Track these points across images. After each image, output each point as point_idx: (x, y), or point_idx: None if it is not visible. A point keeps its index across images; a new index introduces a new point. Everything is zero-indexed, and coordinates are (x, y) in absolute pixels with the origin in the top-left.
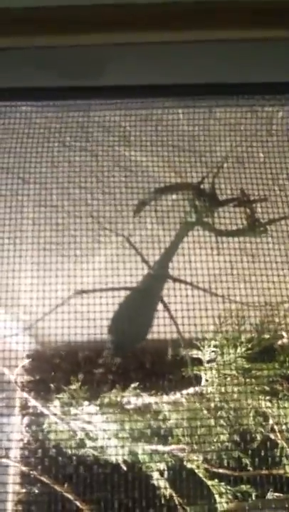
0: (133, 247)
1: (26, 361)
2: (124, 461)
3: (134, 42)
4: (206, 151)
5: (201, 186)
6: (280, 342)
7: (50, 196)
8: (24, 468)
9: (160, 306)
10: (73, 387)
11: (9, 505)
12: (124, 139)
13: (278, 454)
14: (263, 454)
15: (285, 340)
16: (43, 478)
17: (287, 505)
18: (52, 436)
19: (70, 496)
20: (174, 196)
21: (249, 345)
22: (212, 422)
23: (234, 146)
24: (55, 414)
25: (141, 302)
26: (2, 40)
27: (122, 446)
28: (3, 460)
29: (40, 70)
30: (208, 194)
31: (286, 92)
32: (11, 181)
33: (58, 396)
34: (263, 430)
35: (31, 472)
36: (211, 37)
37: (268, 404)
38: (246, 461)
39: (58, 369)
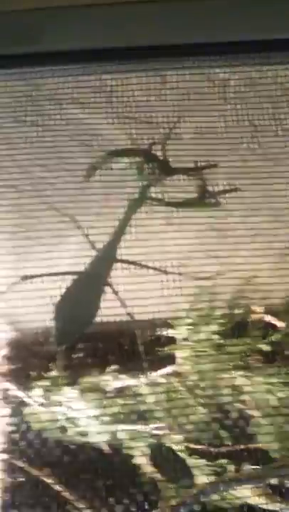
0: (79, 228)
1: (5, 350)
2: (107, 444)
3: (75, 4)
4: (160, 120)
5: (153, 152)
6: (252, 316)
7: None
8: (8, 458)
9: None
10: (53, 373)
11: None
12: (78, 111)
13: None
14: (239, 428)
15: (257, 314)
16: (26, 466)
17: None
18: (34, 424)
19: (54, 483)
20: (123, 165)
21: (222, 321)
22: (190, 400)
23: (184, 113)
24: (36, 402)
25: (86, 286)
26: None
27: (104, 430)
28: None
29: None
30: (160, 160)
31: (235, 52)
32: None
33: (39, 383)
34: (239, 405)
35: (15, 461)
36: None
37: (243, 379)
38: (224, 436)
39: (38, 356)
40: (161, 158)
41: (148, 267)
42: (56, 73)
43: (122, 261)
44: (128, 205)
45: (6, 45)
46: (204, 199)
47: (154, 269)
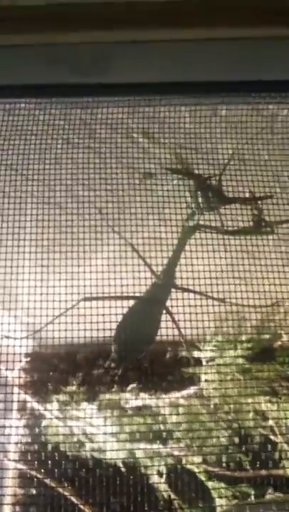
0: (139, 256)
1: (24, 361)
2: (123, 463)
3: (140, 40)
4: (209, 149)
5: (209, 181)
6: (279, 342)
7: (54, 193)
8: (23, 469)
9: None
10: (72, 387)
11: (7, 509)
12: (128, 136)
13: (278, 454)
14: (262, 454)
15: (284, 339)
16: (42, 479)
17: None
18: (50, 437)
19: (70, 497)
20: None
21: (249, 345)
22: (212, 422)
23: (238, 144)
24: (53, 415)
25: (147, 312)
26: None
27: (121, 448)
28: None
29: (44, 67)
30: (215, 189)
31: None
32: (14, 178)
33: (57, 397)
34: (262, 431)
35: (30, 473)
36: (215, 35)
37: (268, 404)
38: (246, 461)
39: (57, 369)
40: (217, 187)
41: (197, 293)
42: (110, 104)
43: (181, 289)
44: (183, 231)
45: (76, 75)
46: (260, 227)
47: (200, 293)
